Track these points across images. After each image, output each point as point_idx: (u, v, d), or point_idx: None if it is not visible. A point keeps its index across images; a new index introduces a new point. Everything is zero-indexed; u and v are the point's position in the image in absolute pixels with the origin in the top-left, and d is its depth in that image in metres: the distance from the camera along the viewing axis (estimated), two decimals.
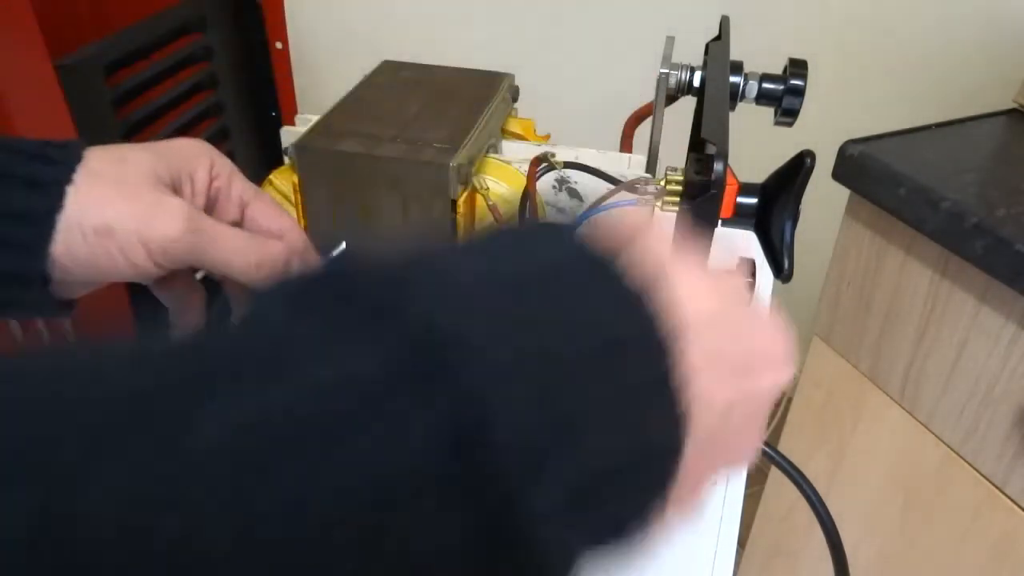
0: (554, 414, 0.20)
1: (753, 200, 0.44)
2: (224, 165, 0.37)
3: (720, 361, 0.25)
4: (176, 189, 0.35)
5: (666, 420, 0.23)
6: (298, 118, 0.58)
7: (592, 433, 0.21)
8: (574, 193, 0.53)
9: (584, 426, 0.21)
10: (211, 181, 0.37)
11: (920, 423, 0.84)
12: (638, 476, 0.23)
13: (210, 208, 0.37)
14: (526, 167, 0.48)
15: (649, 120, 0.56)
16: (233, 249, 0.35)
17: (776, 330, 0.28)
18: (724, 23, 0.56)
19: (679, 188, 0.43)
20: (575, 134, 0.62)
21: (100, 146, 0.34)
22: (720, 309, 0.26)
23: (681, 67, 0.53)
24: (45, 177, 0.31)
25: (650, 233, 0.27)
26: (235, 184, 0.37)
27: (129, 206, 0.32)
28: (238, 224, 0.38)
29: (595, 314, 0.22)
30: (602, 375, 0.21)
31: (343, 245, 0.39)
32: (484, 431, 0.18)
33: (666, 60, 0.53)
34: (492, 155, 0.55)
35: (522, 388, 0.20)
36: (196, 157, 0.36)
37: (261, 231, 0.38)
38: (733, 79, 0.51)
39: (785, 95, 0.52)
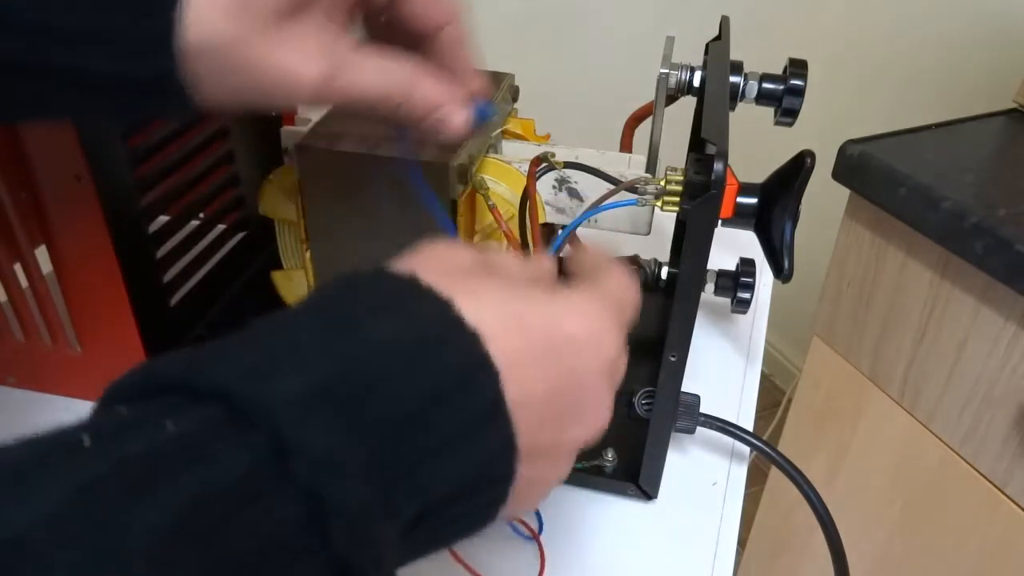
0: (391, 471, 0.22)
1: (753, 200, 0.44)
2: None
3: (535, 405, 0.25)
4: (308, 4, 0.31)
5: (497, 450, 0.24)
6: (298, 118, 0.58)
7: (429, 474, 0.23)
8: (574, 193, 0.53)
9: (420, 472, 0.23)
10: None
11: (920, 423, 0.84)
12: (474, 501, 0.25)
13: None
14: (526, 167, 0.48)
15: (649, 120, 0.56)
16: (370, 86, 0.33)
17: (596, 341, 0.28)
18: (724, 23, 0.56)
19: (679, 188, 0.43)
20: (575, 134, 0.62)
21: None
22: (528, 344, 0.26)
23: (681, 67, 0.53)
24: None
25: (439, 262, 0.27)
26: None
27: (265, 80, 0.31)
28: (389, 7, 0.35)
29: (419, 354, 0.23)
30: (431, 420, 0.23)
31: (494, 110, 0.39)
32: (326, 510, 0.20)
33: (666, 60, 0.53)
34: (492, 155, 0.55)
35: (352, 450, 0.21)
36: None
37: (418, 25, 0.35)
38: (733, 79, 0.51)
39: (785, 95, 0.52)
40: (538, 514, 0.51)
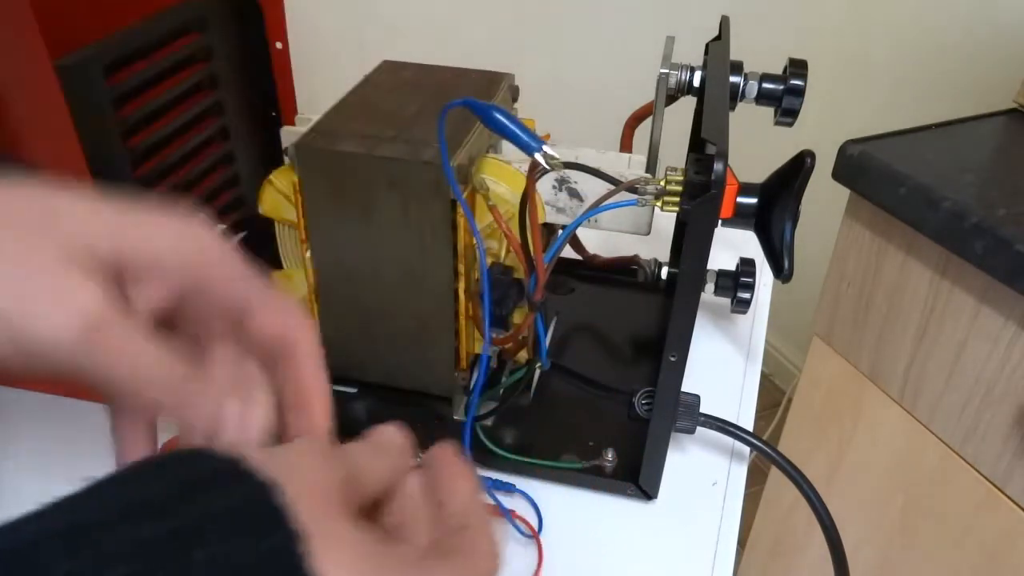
0: None
1: (753, 200, 0.44)
2: (216, 264, 0.27)
3: None
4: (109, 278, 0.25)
5: None
6: (298, 118, 0.58)
7: None
8: (574, 193, 0.53)
9: None
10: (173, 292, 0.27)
11: (920, 423, 0.84)
12: None
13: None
14: (526, 167, 0.48)
15: (649, 120, 0.56)
16: (140, 375, 0.25)
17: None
18: (724, 23, 0.56)
19: (679, 188, 0.43)
20: (575, 134, 0.62)
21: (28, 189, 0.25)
22: None
23: (681, 67, 0.53)
24: None
25: (300, 487, 0.22)
26: (229, 291, 0.28)
27: (12, 283, 0.23)
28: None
29: None
30: None
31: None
32: None
33: (666, 60, 0.53)
34: (492, 155, 0.55)
35: None
36: (168, 250, 0.26)
37: (263, 346, 0.29)
38: (733, 79, 0.51)
39: (785, 95, 0.52)
40: (538, 512, 0.51)
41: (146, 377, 0.25)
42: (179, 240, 0.27)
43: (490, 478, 0.52)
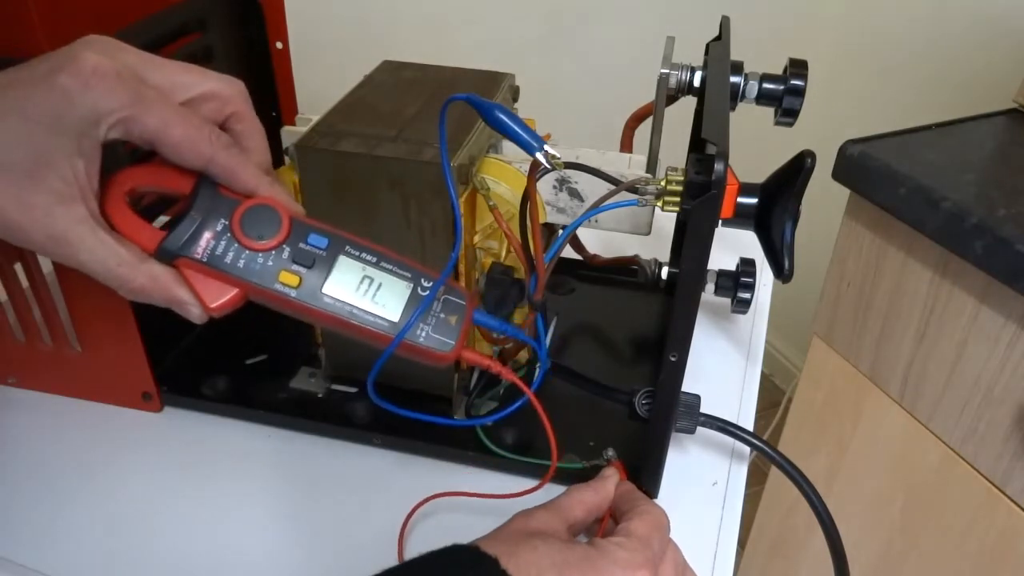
0: None
1: (753, 200, 0.44)
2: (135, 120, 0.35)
3: None
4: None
5: None
6: (298, 118, 0.58)
7: None
8: (574, 193, 0.53)
9: None
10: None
11: (920, 423, 0.84)
12: None
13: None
14: (526, 167, 0.48)
15: (649, 120, 0.56)
16: (98, 269, 0.36)
17: None
18: (724, 23, 0.56)
19: (680, 188, 0.43)
20: (575, 134, 0.62)
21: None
22: None
23: (681, 67, 0.53)
24: None
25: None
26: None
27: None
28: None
29: None
30: None
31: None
32: None
33: (666, 60, 0.53)
34: (493, 155, 0.55)
35: None
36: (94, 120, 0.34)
37: (181, 164, 0.37)
38: (733, 79, 0.51)
39: (785, 95, 0.52)
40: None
41: (98, 266, 0.36)
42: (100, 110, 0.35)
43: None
